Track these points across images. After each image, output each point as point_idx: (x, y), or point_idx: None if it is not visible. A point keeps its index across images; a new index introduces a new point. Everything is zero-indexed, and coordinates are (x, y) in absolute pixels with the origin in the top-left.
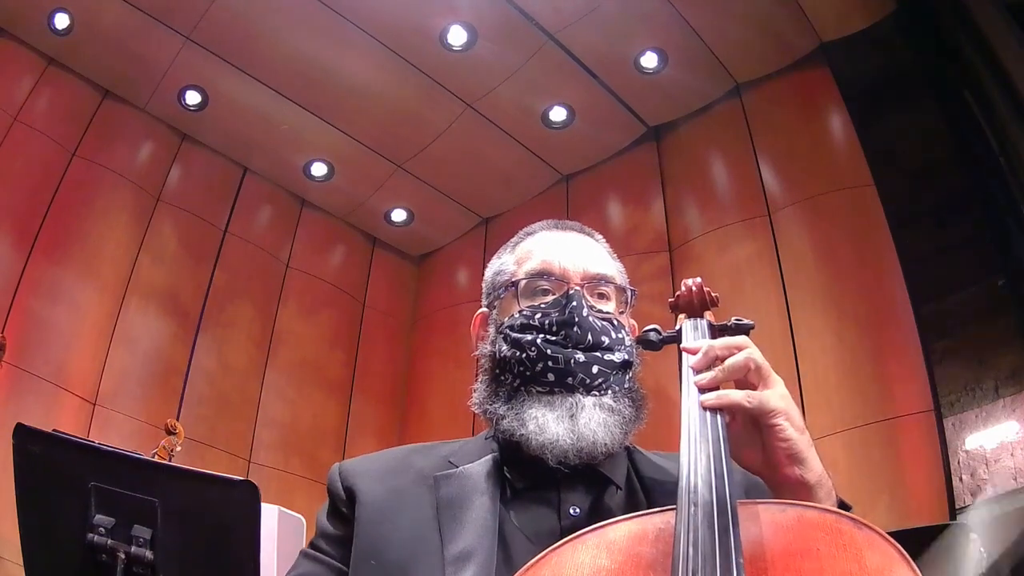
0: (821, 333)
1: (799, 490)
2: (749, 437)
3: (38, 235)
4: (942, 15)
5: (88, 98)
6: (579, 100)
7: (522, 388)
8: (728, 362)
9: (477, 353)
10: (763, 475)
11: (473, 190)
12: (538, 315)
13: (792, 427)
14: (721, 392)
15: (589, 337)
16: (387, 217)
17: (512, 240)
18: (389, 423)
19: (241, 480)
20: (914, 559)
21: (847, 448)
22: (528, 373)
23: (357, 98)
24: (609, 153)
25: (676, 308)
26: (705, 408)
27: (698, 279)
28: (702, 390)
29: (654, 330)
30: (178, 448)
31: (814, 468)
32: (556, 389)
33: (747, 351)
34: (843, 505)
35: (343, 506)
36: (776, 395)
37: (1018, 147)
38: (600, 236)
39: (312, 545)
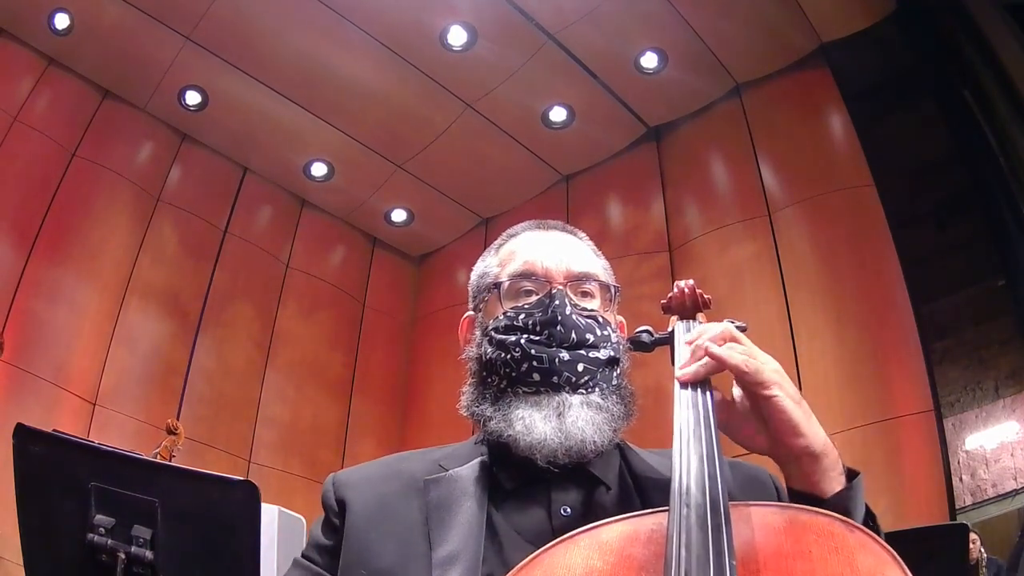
0: (821, 333)
1: (805, 460)
2: (749, 416)
3: (38, 235)
4: (942, 15)
5: (88, 98)
6: (579, 100)
7: (508, 389)
8: (713, 349)
9: (464, 356)
10: (769, 451)
11: (473, 190)
12: (521, 316)
13: (787, 397)
14: (711, 353)
15: (573, 335)
16: (387, 217)
17: (496, 242)
18: (389, 423)
19: (241, 480)
20: (914, 559)
21: (847, 448)
22: (513, 374)
23: (357, 98)
24: (609, 153)
25: (668, 309)
26: (685, 381)
27: (690, 281)
28: (683, 384)
29: (646, 331)
30: (179, 448)
31: (817, 436)
32: (542, 389)
33: (737, 346)
34: (851, 473)
35: (335, 517)
36: (768, 369)
37: (1018, 147)
38: (583, 234)
39: (303, 554)
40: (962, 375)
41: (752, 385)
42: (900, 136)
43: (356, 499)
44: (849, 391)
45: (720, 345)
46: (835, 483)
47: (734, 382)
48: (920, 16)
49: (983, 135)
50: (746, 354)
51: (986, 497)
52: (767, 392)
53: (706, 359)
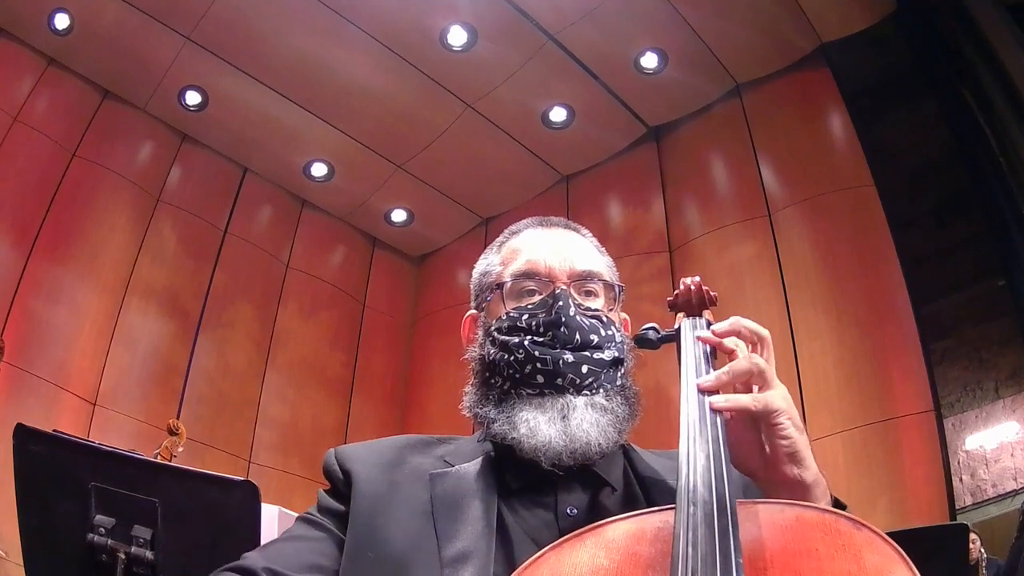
0: (821, 333)
1: (796, 489)
2: (746, 438)
3: (38, 235)
4: (942, 15)
5: (88, 98)
6: (579, 100)
7: (512, 391)
8: (734, 366)
9: (467, 356)
10: (759, 476)
11: (473, 190)
12: (525, 316)
13: (793, 426)
14: (730, 396)
15: (577, 336)
16: (387, 217)
17: (498, 240)
18: (389, 423)
19: (241, 480)
20: (914, 559)
21: (847, 448)
22: (517, 376)
23: (357, 98)
24: (609, 153)
25: (675, 307)
26: (713, 410)
27: (696, 278)
28: (704, 391)
29: (652, 328)
30: (180, 449)
31: (811, 467)
32: (546, 391)
33: (753, 357)
34: (838, 505)
35: (341, 486)
36: (779, 396)
37: (1018, 147)
38: (587, 231)
39: (308, 512)
40: (962, 375)
41: (760, 417)
42: (900, 136)
43: (362, 474)
44: (849, 391)
45: (742, 372)
46: None
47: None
48: (920, 16)
49: (983, 135)
50: (758, 397)
51: (986, 497)
52: (775, 420)
53: (727, 401)
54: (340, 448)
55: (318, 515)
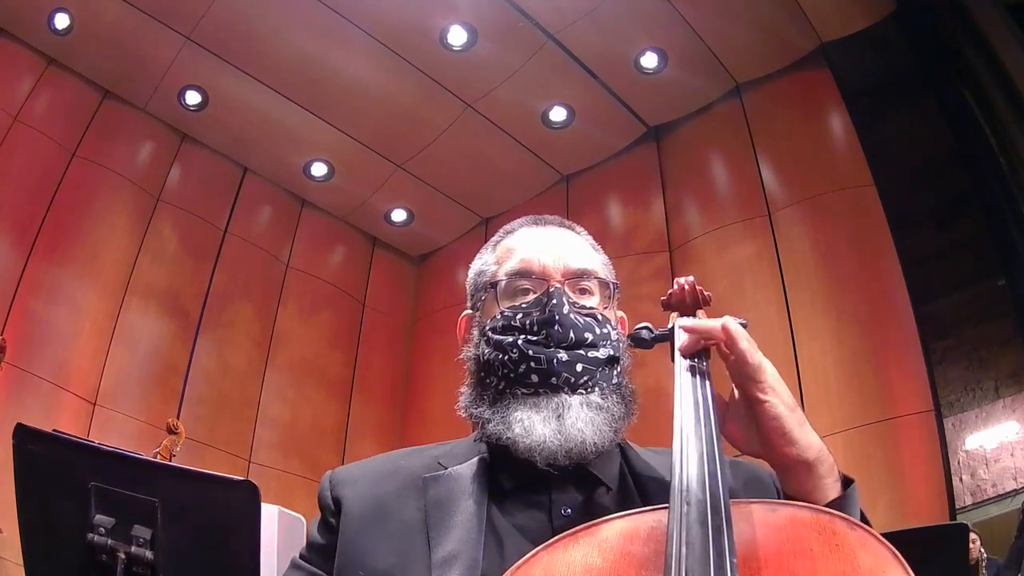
0: (821, 334)
1: (798, 469)
2: (745, 419)
3: (38, 235)
4: (942, 15)
5: (88, 98)
6: (579, 100)
7: (507, 390)
8: (732, 325)
9: (462, 356)
10: (765, 456)
11: (473, 190)
12: (519, 315)
13: (782, 404)
14: (697, 322)
15: (571, 335)
16: (387, 217)
17: (493, 239)
18: (389, 423)
19: (241, 480)
20: (913, 559)
21: (847, 448)
22: (512, 375)
23: (357, 98)
24: (609, 153)
25: (668, 306)
26: (684, 345)
27: (690, 277)
28: (683, 352)
29: (646, 328)
30: (179, 448)
31: (811, 445)
32: (541, 390)
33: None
34: (846, 480)
35: (330, 516)
36: (769, 368)
37: (1018, 147)
38: (582, 229)
39: (300, 554)
40: (962, 375)
41: (749, 382)
42: (900, 136)
43: (352, 497)
44: (849, 391)
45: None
46: (830, 491)
47: (732, 387)
48: (920, 16)
49: (983, 135)
50: (753, 346)
51: (986, 497)
52: (762, 395)
53: (721, 325)
54: (335, 472)
55: (306, 556)
